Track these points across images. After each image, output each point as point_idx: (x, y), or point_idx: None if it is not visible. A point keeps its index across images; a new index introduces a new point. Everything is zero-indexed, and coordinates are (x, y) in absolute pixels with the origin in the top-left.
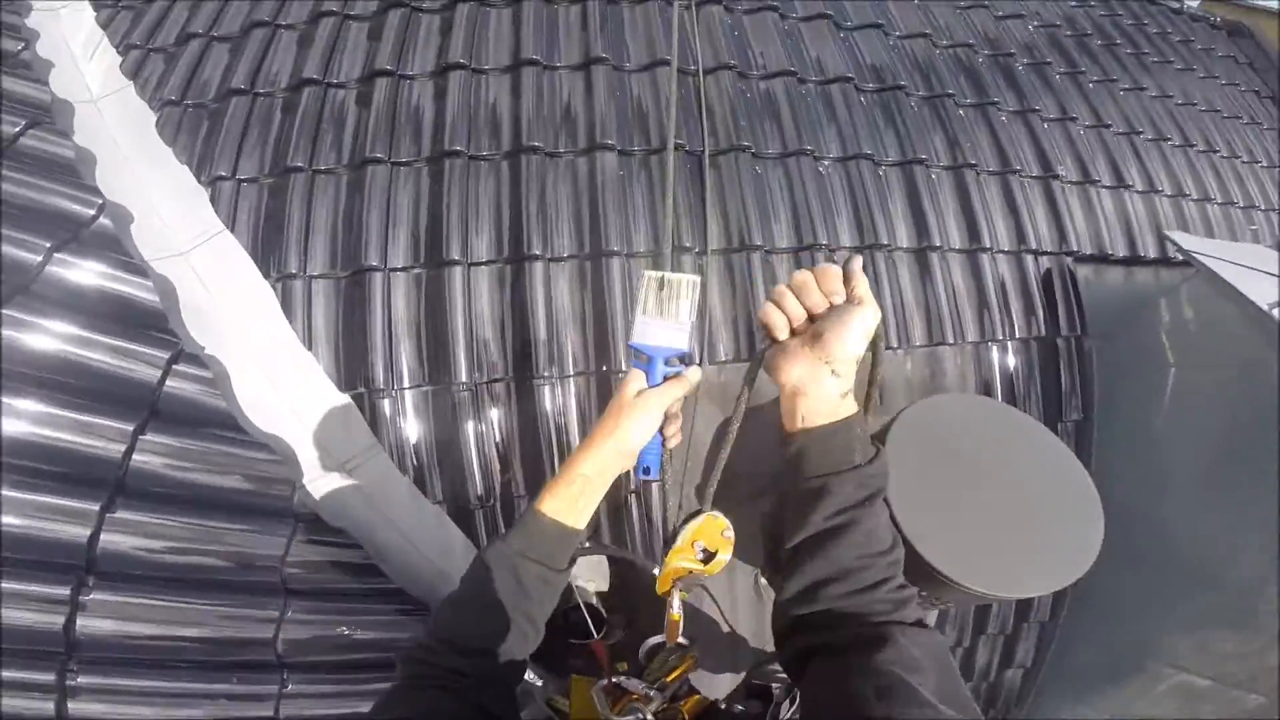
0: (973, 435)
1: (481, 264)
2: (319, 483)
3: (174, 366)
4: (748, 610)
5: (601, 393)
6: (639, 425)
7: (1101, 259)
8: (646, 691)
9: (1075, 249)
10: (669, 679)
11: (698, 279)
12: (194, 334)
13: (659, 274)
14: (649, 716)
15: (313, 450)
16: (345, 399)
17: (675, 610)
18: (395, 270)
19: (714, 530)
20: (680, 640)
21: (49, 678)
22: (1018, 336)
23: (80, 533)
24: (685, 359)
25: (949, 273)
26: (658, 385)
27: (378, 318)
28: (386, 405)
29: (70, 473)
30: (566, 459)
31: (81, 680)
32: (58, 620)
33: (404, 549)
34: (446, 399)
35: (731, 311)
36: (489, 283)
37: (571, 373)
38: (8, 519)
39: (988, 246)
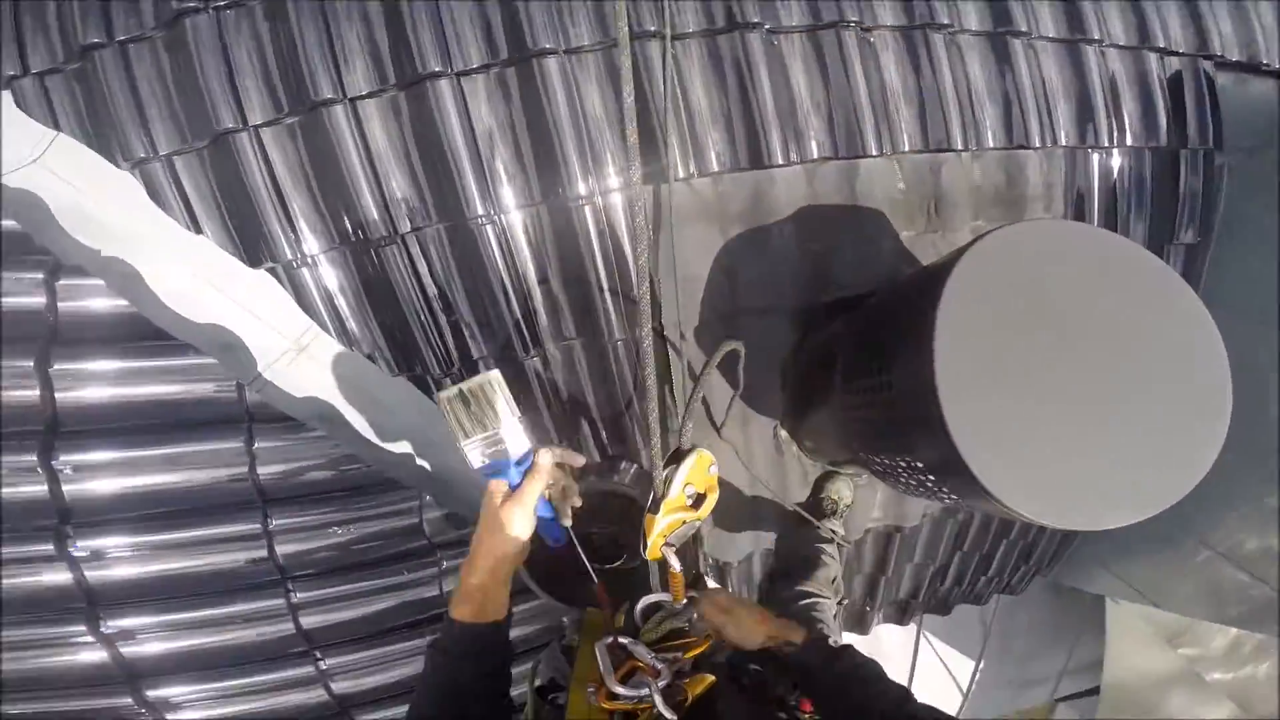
0: (1073, 284)
1: (365, 97)
2: (277, 368)
3: (58, 283)
4: (766, 463)
5: (556, 223)
6: (513, 531)
7: (1251, 68)
8: (655, 664)
9: (1218, 53)
10: (685, 656)
11: (495, 373)
12: (83, 240)
13: (451, 391)
14: (657, 695)
15: (262, 333)
16: (265, 275)
17: (677, 567)
18: (260, 126)
19: (702, 469)
20: (690, 595)
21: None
22: (1129, 143)
23: (38, 489)
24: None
25: (1036, 64)
26: (518, 487)
27: (258, 182)
28: (306, 276)
29: None
30: (463, 566)
31: (109, 626)
32: (67, 576)
33: (389, 426)
34: (368, 259)
35: (723, 107)
36: (381, 117)
37: (513, 205)
38: None
39: (1096, 38)
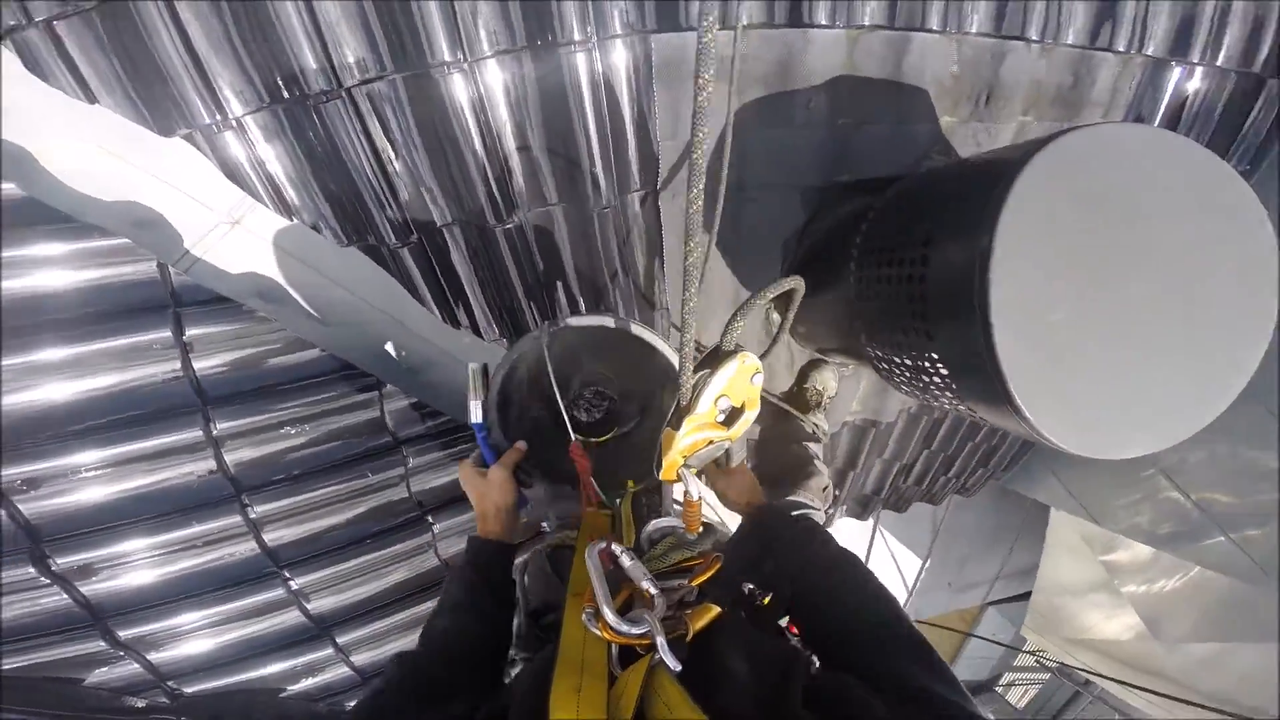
0: (1148, 196)
1: None
2: (208, 243)
3: None
4: (754, 347)
5: (540, 73)
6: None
7: None
8: (650, 589)
9: None
10: (691, 583)
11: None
12: None
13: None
14: (660, 638)
15: (187, 208)
16: (182, 144)
17: (694, 494)
18: None
19: (743, 379)
20: (704, 523)
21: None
22: (1219, 64)
23: None
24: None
25: None
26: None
27: (164, 41)
28: (231, 141)
29: None
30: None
31: (59, 564)
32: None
33: (340, 303)
34: (305, 116)
35: None
36: None
37: (488, 51)
38: None
39: None
